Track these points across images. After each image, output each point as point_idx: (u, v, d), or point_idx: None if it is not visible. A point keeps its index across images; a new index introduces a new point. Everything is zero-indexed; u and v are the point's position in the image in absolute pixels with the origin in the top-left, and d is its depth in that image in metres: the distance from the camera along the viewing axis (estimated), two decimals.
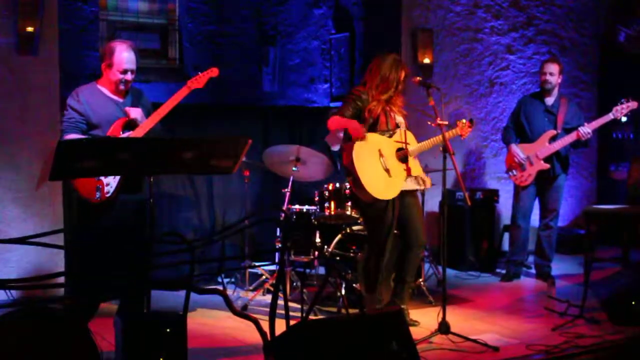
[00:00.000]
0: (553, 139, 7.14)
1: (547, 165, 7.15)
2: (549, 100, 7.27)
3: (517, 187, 7.35)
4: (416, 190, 5.71)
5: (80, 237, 4.91)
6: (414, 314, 5.85)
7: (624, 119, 7.14)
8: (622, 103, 7.03)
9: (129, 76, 4.91)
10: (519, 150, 7.20)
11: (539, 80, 7.44)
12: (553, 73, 7.20)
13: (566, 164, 7.32)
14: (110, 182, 4.77)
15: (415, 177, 5.64)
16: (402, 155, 5.53)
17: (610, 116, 7.04)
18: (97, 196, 4.76)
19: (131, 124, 4.88)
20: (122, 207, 4.83)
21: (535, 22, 9.10)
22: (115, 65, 4.87)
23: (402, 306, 5.59)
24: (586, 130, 7.00)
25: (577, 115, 7.32)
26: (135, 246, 4.86)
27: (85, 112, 4.84)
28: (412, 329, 4.32)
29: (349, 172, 5.46)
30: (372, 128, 5.50)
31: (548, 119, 7.23)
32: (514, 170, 7.29)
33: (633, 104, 7.01)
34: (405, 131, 5.58)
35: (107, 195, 4.77)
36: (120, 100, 4.97)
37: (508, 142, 7.36)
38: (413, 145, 5.60)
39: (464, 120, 5.70)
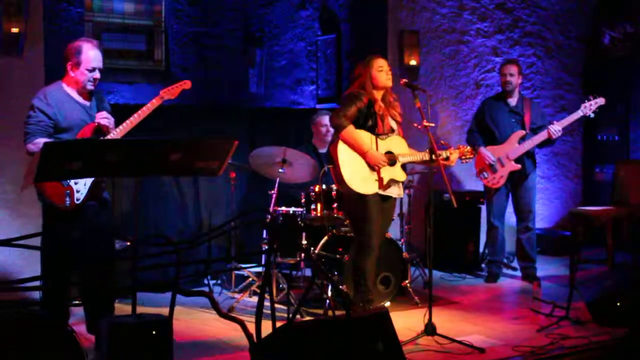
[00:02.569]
0: (522, 139, 7.18)
1: (519, 166, 7.18)
2: (512, 101, 7.33)
3: (489, 188, 7.38)
4: (396, 197, 5.70)
5: (49, 243, 4.86)
6: (401, 315, 5.86)
7: (592, 115, 7.17)
8: (589, 99, 7.10)
9: (97, 74, 4.85)
10: (488, 153, 7.23)
11: (499, 82, 7.50)
12: (513, 74, 7.26)
13: (534, 161, 7.38)
14: (81, 189, 4.73)
15: (398, 185, 5.64)
16: (391, 159, 5.51)
17: (579, 113, 7.11)
18: (67, 203, 4.70)
19: (100, 130, 4.85)
20: (89, 212, 4.81)
21: (521, 25, 9.13)
22: (83, 63, 4.81)
23: (361, 304, 5.59)
24: (556, 128, 7.05)
25: (542, 114, 7.41)
26: (98, 251, 4.84)
27: (54, 115, 4.77)
28: (398, 330, 4.32)
29: (332, 161, 5.49)
30: (370, 130, 5.50)
31: (515, 120, 7.28)
32: (485, 173, 7.32)
33: (600, 100, 7.08)
34: (397, 137, 5.61)
35: (77, 202, 4.72)
36: (87, 103, 4.92)
37: (475, 145, 7.35)
38: (404, 152, 5.60)
39: (468, 147, 5.76)
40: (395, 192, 5.61)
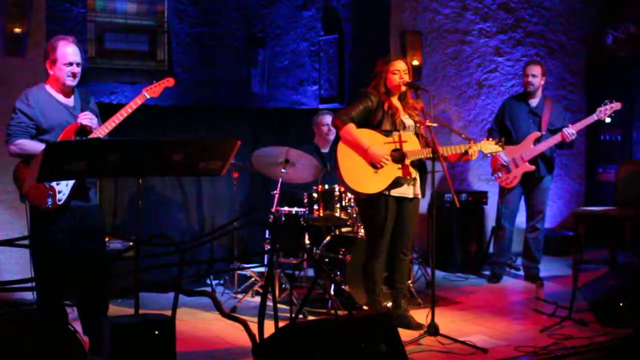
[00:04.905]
0: (538, 140, 7.17)
1: (533, 167, 7.16)
2: (533, 102, 7.30)
3: (503, 188, 7.37)
4: (416, 197, 5.59)
5: (36, 244, 4.85)
6: None
7: (607, 119, 7.17)
8: (605, 104, 7.07)
9: (74, 68, 4.83)
10: (502, 153, 7.21)
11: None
12: (535, 75, 7.23)
13: (551, 165, 7.35)
14: (63, 190, 4.71)
15: (414, 183, 5.55)
16: (398, 156, 5.45)
17: (594, 117, 7.09)
18: (49, 203, 4.69)
19: (83, 130, 4.84)
20: (73, 214, 4.80)
21: (524, 25, 9.13)
22: (60, 59, 4.80)
23: (398, 311, 5.59)
24: (570, 131, 7.03)
25: (562, 116, 7.35)
26: (88, 252, 4.83)
27: (35, 116, 4.76)
28: (400, 330, 4.32)
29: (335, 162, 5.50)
30: (378, 127, 5.47)
31: (532, 121, 7.25)
32: (499, 172, 7.31)
33: (617, 105, 7.05)
34: (407, 133, 5.50)
35: (59, 202, 4.71)
36: (70, 104, 4.91)
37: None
38: (414, 149, 5.47)
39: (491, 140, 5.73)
40: (409, 192, 5.52)
